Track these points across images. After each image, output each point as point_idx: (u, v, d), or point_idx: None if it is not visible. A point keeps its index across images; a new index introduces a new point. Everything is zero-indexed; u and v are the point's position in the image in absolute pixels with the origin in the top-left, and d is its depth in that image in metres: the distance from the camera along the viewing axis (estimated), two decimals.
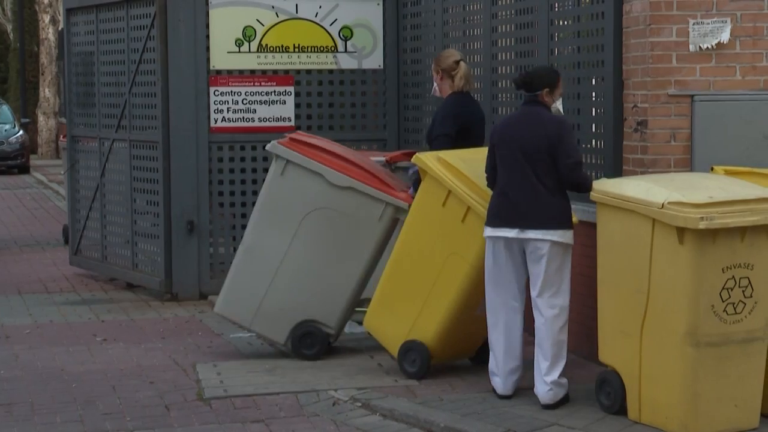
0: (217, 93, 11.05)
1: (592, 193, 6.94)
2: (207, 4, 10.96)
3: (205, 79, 10.99)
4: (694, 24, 7.61)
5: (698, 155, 7.61)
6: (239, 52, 11.07)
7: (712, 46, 7.63)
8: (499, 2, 9.67)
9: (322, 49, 11.25)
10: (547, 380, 7.10)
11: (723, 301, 6.44)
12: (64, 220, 14.87)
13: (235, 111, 11.10)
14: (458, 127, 8.14)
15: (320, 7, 11.23)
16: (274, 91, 11.13)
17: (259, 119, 11.13)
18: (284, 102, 11.19)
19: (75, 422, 7.10)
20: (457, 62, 8.32)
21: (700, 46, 7.63)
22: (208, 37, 10.98)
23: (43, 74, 33.39)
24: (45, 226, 17.13)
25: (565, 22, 8.84)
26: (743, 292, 6.48)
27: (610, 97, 8.01)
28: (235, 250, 10.74)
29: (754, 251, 6.47)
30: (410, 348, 7.86)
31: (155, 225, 11.20)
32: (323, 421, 7.08)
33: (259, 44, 11.12)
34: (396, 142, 11.42)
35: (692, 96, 7.63)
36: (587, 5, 8.47)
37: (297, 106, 11.23)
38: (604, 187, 6.90)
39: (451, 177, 7.57)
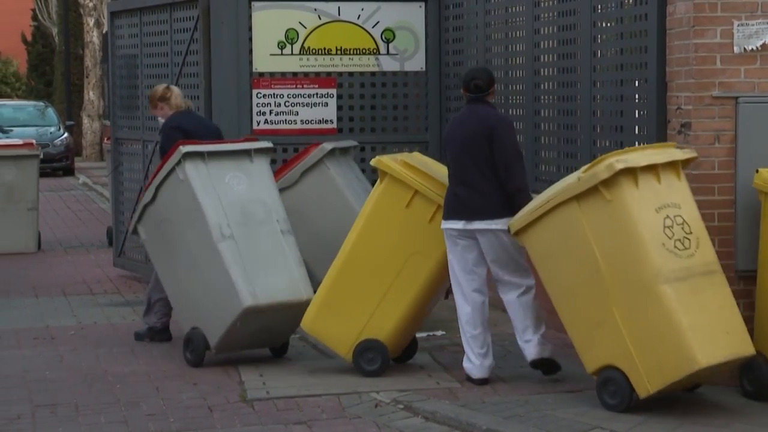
0: (259, 95, 11.09)
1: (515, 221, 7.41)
2: (250, 6, 11.00)
3: (248, 82, 11.03)
4: (738, 25, 7.56)
5: (742, 157, 7.56)
6: (282, 54, 11.11)
7: (756, 47, 7.58)
8: (542, 4, 9.64)
9: (364, 51, 11.26)
10: (531, 337, 7.65)
11: (670, 238, 6.84)
12: (109, 222, 14.97)
13: (277, 113, 11.14)
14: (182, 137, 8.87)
15: (362, 9, 11.24)
16: (317, 94, 11.16)
17: (302, 121, 11.16)
18: (326, 104, 11.21)
19: (119, 423, 7.15)
20: (167, 87, 9.47)
21: (744, 48, 7.58)
22: (250, 39, 11.02)
23: (87, 77, 33.61)
24: (89, 228, 17.25)
25: (608, 24, 8.80)
26: (682, 228, 6.92)
27: (653, 99, 7.97)
28: None
29: (674, 192, 6.97)
30: (368, 347, 7.99)
31: None
32: (365, 423, 7.09)
33: (302, 46, 11.15)
34: (438, 144, 11.41)
35: (736, 98, 7.58)
36: (630, 7, 8.43)
37: (339, 108, 11.25)
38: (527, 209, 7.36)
39: (418, 178, 7.84)
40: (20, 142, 16.25)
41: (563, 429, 6.71)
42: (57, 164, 28.40)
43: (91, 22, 33.32)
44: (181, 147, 8.42)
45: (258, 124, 11.07)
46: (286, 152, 11.08)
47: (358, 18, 11.24)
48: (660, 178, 6.96)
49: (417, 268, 7.88)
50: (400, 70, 11.38)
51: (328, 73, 11.21)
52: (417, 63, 11.40)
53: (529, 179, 9.57)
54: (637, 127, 8.30)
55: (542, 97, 9.65)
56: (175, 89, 9.48)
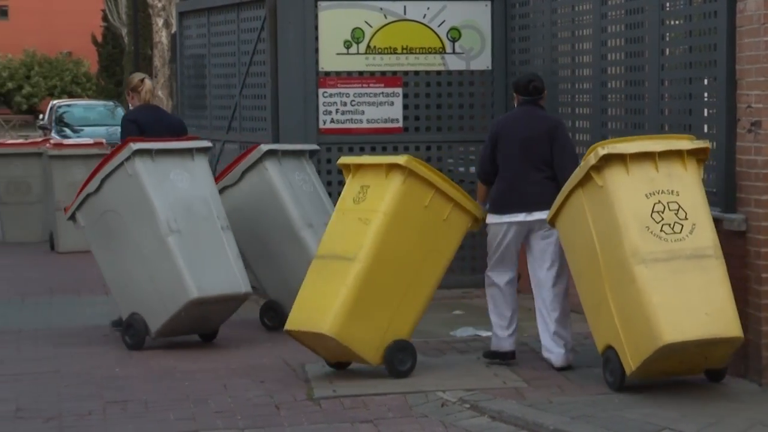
0: (325, 94, 11.13)
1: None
2: (316, 6, 11.05)
3: (314, 81, 11.08)
4: None
5: None
6: (348, 53, 11.14)
7: None
8: (609, 2, 9.58)
9: (430, 50, 11.26)
10: (565, 345, 8.05)
11: (657, 223, 7.23)
12: None
13: (343, 112, 11.18)
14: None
15: (428, 8, 11.25)
16: (382, 93, 11.18)
17: (367, 120, 11.19)
18: (392, 103, 11.23)
19: (187, 420, 7.21)
20: (142, 80, 9.80)
21: None
22: (317, 39, 11.07)
23: (156, 77, 33.96)
24: None
25: (677, 22, 8.73)
26: (676, 214, 7.26)
27: (722, 97, 7.89)
28: None
29: (674, 180, 7.32)
30: (401, 347, 7.96)
31: None
32: (431, 422, 7.09)
33: (368, 46, 11.17)
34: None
35: None
36: (699, 4, 8.36)
37: (405, 107, 11.26)
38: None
39: (438, 178, 8.07)
40: (90, 141, 16.46)
41: (632, 430, 6.66)
42: None
43: (160, 22, 33.67)
44: (131, 144, 8.83)
45: (324, 124, 11.12)
46: (352, 151, 11.11)
47: (424, 17, 11.25)
48: (658, 166, 7.33)
49: (433, 264, 8.03)
50: (465, 69, 11.37)
51: (394, 72, 11.22)
52: (483, 62, 11.38)
53: None
54: (705, 126, 8.22)
55: (609, 96, 9.59)
56: (148, 84, 9.83)
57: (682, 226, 7.25)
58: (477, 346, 8.86)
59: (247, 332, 9.70)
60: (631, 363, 7.21)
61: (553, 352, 8.08)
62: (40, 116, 35.70)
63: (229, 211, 9.33)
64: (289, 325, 8.11)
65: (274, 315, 9.78)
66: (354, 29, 11.14)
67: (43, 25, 65.21)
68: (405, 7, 11.23)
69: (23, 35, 63.88)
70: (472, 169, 11.45)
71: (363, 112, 11.20)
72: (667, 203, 7.28)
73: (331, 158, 11.09)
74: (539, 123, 8.15)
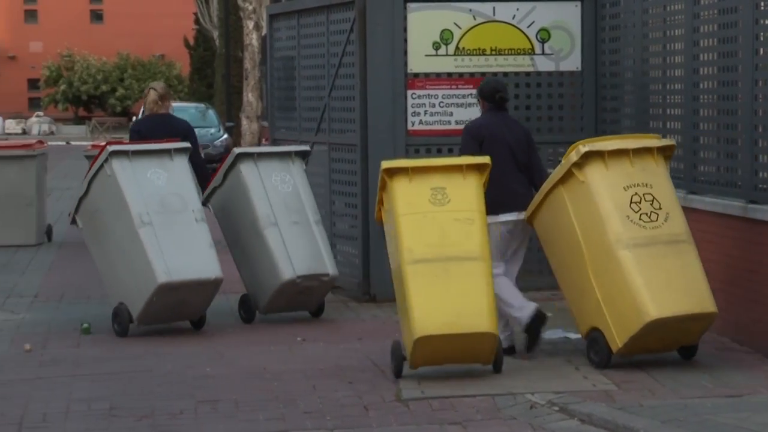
0: (414, 96, 11.14)
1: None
2: (405, 8, 11.07)
3: (403, 83, 11.10)
4: None
5: None
6: (436, 55, 11.14)
7: None
8: (702, 2, 9.47)
9: (519, 51, 11.22)
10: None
11: (636, 212, 8.00)
12: None
13: (432, 114, 11.18)
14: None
15: (517, 9, 11.20)
16: (471, 94, 11.15)
17: (456, 122, 11.18)
18: None
19: (277, 420, 7.26)
20: (148, 91, 10.72)
21: None
22: (405, 40, 11.09)
23: (246, 79, 34.24)
24: None
25: None
26: (651, 204, 8.03)
27: None
28: None
29: (647, 174, 8.08)
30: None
31: (353, 227, 11.37)
32: (520, 424, 7.07)
33: (456, 47, 11.16)
34: None
35: None
36: None
37: None
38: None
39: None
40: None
41: None
42: (217, 165, 28.98)
43: (250, 25, 33.97)
44: (108, 146, 9.69)
45: (413, 125, 11.13)
46: (441, 152, 11.10)
47: (513, 18, 11.21)
48: (633, 161, 8.14)
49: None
50: (555, 70, 11.31)
51: (483, 74, 11.19)
52: (572, 63, 11.31)
53: (688, 180, 9.46)
54: None
55: (701, 97, 9.47)
56: (152, 94, 10.75)
57: (658, 214, 8.03)
58: (566, 348, 8.81)
59: (336, 334, 9.75)
60: (617, 341, 7.92)
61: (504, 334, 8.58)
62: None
63: (217, 211, 10.40)
64: (424, 331, 7.79)
65: (247, 308, 10.28)
66: (443, 31, 11.14)
67: (136, 28, 66.16)
68: (494, 8, 11.20)
69: (117, 39, 64.88)
70: None
71: (451, 114, 11.19)
72: (643, 194, 8.06)
73: None
74: (518, 129, 8.85)
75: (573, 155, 8.13)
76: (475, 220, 8.02)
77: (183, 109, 32.51)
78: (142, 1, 66.71)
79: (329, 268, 10.15)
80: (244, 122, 35.28)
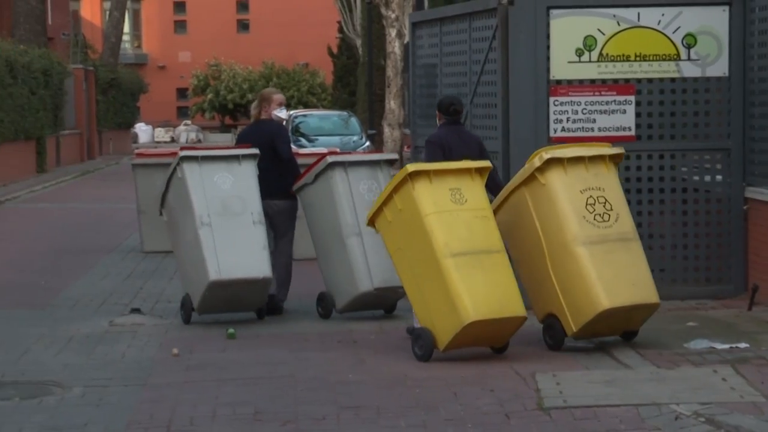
0: (557, 103, 11.08)
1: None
2: (548, 14, 11.01)
3: (545, 90, 11.04)
4: None
5: None
6: (579, 61, 11.06)
7: None
8: None
9: (664, 57, 11.06)
10: None
11: (591, 213, 9.00)
12: None
13: (574, 121, 11.10)
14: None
15: (663, 14, 11.06)
16: (615, 101, 11.05)
17: (599, 129, 11.08)
18: (624, 111, 11.08)
19: (418, 427, 7.29)
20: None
21: None
22: (548, 47, 11.03)
23: (388, 87, 34.45)
24: None
25: None
26: (604, 206, 9.03)
27: None
28: None
29: (600, 178, 9.10)
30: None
31: None
32: None
33: (600, 53, 11.07)
34: (741, 151, 11.09)
35: None
36: None
37: (638, 115, 11.10)
38: None
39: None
40: (325, 150, 16.81)
41: None
42: None
43: (393, 33, 34.19)
44: (180, 151, 10.50)
45: (555, 132, 11.06)
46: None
47: (659, 23, 11.06)
48: (588, 167, 9.12)
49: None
50: (701, 75, 11.12)
51: (627, 80, 11.08)
52: (719, 68, 11.11)
53: None
54: None
55: None
56: (253, 103, 11.29)
57: (609, 215, 9.06)
58: (713, 358, 8.66)
59: None
60: (572, 326, 8.95)
61: None
62: None
63: (305, 205, 10.95)
64: (476, 316, 8.67)
65: (324, 306, 10.77)
66: (586, 37, 11.05)
67: (281, 37, 67.05)
68: (639, 13, 11.07)
69: (263, 48, 65.84)
70: (707, 178, 11.21)
71: (594, 121, 11.10)
72: (597, 197, 9.07)
73: None
74: (471, 139, 9.98)
75: (536, 161, 9.06)
76: (489, 216, 9.02)
77: (327, 117, 32.89)
78: (287, 11, 67.59)
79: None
80: (386, 130, 35.53)
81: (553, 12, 11.03)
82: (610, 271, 8.88)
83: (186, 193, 10.38)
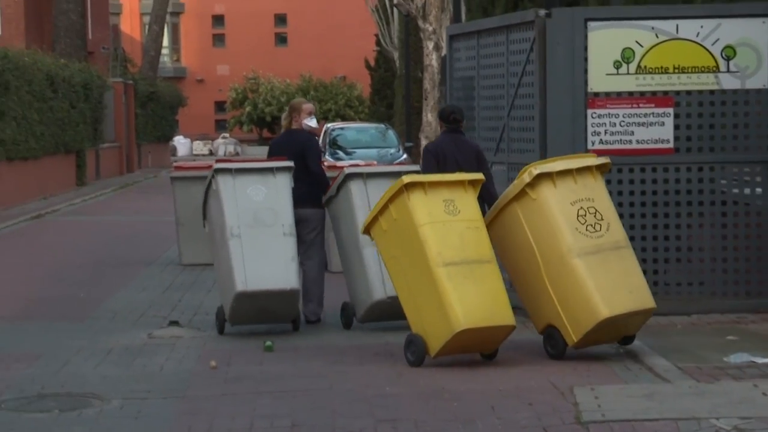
0: (594, 115, 11.05)
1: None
2: (586, 27, 10.99)
3: (583, 102, 11.02)
4: None
5: None
6: (617, 74, 11.03)
7: None
8: None
9: (703, 69, 11.01)
10: None
11: (583, 224, 9.18)
12: None
13: (612, 133, 11.07)
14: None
15: (702, 26, 11.01)
16: (653, 113, 11.01)
17: (637, 141, 11.04)
18: (663, 124, 11.04)
19: None
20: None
21: None
22: (586, 59, 11.01)
23: (426, 99, 34.42)
24: None
25: None
26: (594, 216, 9.22)
27: None
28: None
29: (589, 189, 9.29)
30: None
31: None
32: None
33: (638, 66, 11.03)
34: None
35: None
36: None
37: (676, 127, 11.06)
38: None
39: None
40: (362, 163, 16.85)
41: None
42: None
43: (430, 45, 34.21)
44: (214, 164, 10.68)
45: (593, 144, 11.03)
46: (621, 172, 10.98)
47: (697, 35, 11.02)
48: (576, 179, 9.31)
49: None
50: (740, 88, 11.07)
51: (665, 92, 11.04)
52: (759, 80, 11.06)
53: None
54: None
55: None
56: (285, 113, 11.43)
57: (601, 225, 9.25)
58: (753, 372, 8.60)
59: (516, 355, 9.72)
60: (573, 336, 9.13)
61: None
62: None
63: (332, 218, 11.09)
64: (467, 324, 8.92)
65: (346, 315, 10.98)
66: (624, 49, 11.02)
67: (319, 50, 67.26)
68: (677, 25, 11.03)
69: (300, 61, 66.08)
70: (747, 191, 11.14)
71: (632, 133, 11.06)
72: (587, 208, 9.27)
73: None
74: (468, 148, 10.36)
75: (526, 177, 9.27)
76: (481, 227, 9.29)
77: (364, 129, 32.93)
78: (324, 24, 67.80)
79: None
80: (424, 142, 35.48)
81: (591, 24, 11.00)
82: (606, 280, 9.08)
83: (219, 205, 10.56)
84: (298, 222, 10.90)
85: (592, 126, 11.04)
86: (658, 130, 11.06)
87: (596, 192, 9.37)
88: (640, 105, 11.06)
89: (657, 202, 11.07)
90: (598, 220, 9.23)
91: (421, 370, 9.17)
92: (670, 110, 11.05)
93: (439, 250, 9.02)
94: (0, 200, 25.21)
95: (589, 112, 11.04)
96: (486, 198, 9.92)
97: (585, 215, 9.21)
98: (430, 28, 33.91)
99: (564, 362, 9.21)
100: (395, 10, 41.04)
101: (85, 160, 33.08)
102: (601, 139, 11.05)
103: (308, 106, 11.39)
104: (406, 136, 34.24)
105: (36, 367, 9.47)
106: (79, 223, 23.02)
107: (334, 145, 30.31)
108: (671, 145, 11.05)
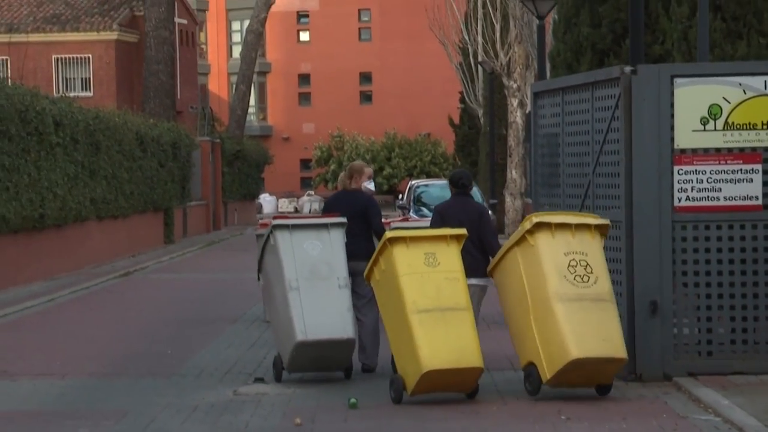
0: (681, 172, 10.96)
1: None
2: (672, 83, 10.93)
3: (669, 158, 10.93)
4: None
5: None
6: (704, 130, 10.94)
7: None
8: None
9: None
10: None
11: (572, 273, 9.99)
12: None
13: (699, 190, 10.96)
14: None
15: None
16: (741, 170, 10.89)
17: (725, 198, 10.92)
18: (751, 180, 10.91)
19: None
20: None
21: None
22: (672, 116, 10.94)
23: (510, 156, 34.42)
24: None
25: None
26: (585, 269, 10.02)
27: None
28: (700, 330, 10.71)
29: (584, 245, 10.10)
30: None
31: (618, 305, 11.18)
32: None
33: (725, 122, 10.93)
34: None
35: None
36: None
37: (765, 184, 10.91)
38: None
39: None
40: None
41: None
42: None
43: (514, 102, 34.13)
44: (272, 221, 11.18)
45: (679, 201, 10.93)
46: (708, 229, 10.86)
47: None
48: (574, 234, 10.15)
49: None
50: None
51: (753, 149, 10.92)
52: None
53: None
54: None
55: None
56: (343, 174, 12.06)
57: (590, 277, 10.02)
58: None
59: (601, 413, 9.59)
60: (547, 374, 9.86)
61: None
62: (399, 196, 36.88)
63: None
64: (433, 366, 9.66)
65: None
66: (711, 105, 10.94)
67: (403, 108, 67.66)
68: (765, 81, 10.92)
69: (385, 118, 66.51)
70: None
71: (720, 190, 10.94)
72: (579, 260, 10.06)
73: (686, 236, 10.88)
74: (472, 210, 11.25)
75: (527, 224, 10.17)
76: (459, 278, 10.08)
77: (446, 186, 32.92)
78: (409, 82, 68.22)
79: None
80: (508, 199, 35.41)
81: (678, 81, 10.94)
82: (582, 326, 9.80)
83: (278, 259, 11.03)
84: (357, 275, 11.20)
85: (679, 183, 10.95)
86: (746, 187, 10.92)
87: (591, 248, 10.16)
88: (728, 161, 10.95)
89: (745, 259, 10.91)
90: (587, 272, 10.02)
91: (506, 428, 9.07)
92: (759, 166, 10.92)
93: (415, 298, 9.90)
94: (90, 258, 25.61)
95: (676, 168, 10.95)
96: (489, 251, 11.00)
97: (576, 266, 10.02)
98: (515, 85, 33.79)
99: (649, 421, 9.05)
100: (479, 67, 41.19)
101: (172, 218, 33.50)
102: (687, 196, 10.94)
103: (369, 170, 12.14)
104: (490, 192, 34.19)
105: (123, 424, 9.56)
106: (166, 280, 23.28)
107: (419, 201, 30.32)
108: (760, 201, 10.91)
